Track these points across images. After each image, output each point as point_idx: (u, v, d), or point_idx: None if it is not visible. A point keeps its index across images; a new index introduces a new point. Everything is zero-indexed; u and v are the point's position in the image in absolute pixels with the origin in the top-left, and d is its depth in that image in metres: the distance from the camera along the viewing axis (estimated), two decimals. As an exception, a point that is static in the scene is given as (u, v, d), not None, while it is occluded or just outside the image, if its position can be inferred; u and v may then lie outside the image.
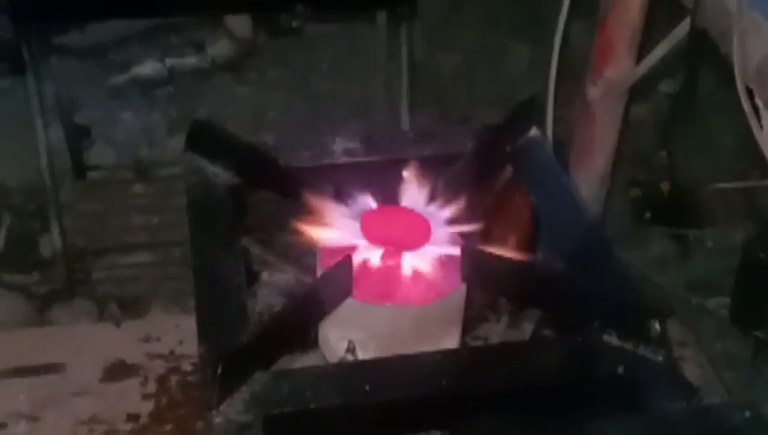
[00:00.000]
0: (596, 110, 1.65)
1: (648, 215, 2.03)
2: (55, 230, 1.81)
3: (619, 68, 1.60)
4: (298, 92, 2.20)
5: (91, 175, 1.93)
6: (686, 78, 1.30)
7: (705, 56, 1.33)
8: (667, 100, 2.12)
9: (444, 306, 1.01)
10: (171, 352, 1.32)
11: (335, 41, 2.32)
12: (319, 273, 1.04)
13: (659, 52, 1.46)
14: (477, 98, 2.22)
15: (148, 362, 1.30)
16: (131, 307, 1.78)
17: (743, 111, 1.14)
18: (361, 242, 1.02)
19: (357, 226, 1.03)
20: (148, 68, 2.00)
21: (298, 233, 1.04)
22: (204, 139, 1.12)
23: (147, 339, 1.34)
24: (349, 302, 0.99)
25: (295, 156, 1.13)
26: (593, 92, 1.64)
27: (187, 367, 1.30)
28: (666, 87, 2.13)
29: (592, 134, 1.67)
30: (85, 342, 1.33)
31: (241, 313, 0.97)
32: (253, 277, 1.07)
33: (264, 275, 1.07)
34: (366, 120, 2.13)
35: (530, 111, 1.14)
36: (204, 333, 0.95)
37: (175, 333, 1.33)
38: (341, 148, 1.14)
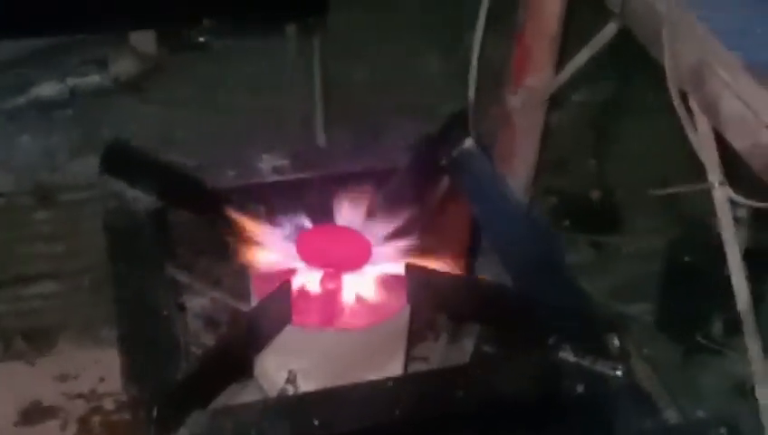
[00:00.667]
0: (516, 119, 1.61)
1: (567, 223, 2.02)
2: (-48, 262, 1.69)
3: (538, 76, 1.57)
4: (206, 109, 2.12)
5: (-11, 203, 1.82)
6: (616, 83, 1.27)
7: (632, 60, 1.31)
8: (580, 108, 2.11)
9: (388, 328, 0.96)
10: (92, 391, 1.23)
11: (241, 55, 2.24)
12: (253, 299, 0.97)
13: (582, 58, 1.43)
14: (391, 109, 2.18)
15: (66, 403, 1.21)
16: (39, 341, 1.67)
17: (670, 115, 1.12)
18: (298, 265, 0.96)
19: (292, 247, 0.97)
20: (48, 89, 1.88)
21: (228, 258, 0.97)
22: (121, 161, 1.05)
23: (63, 378, 1.24)
24: (288, 329, 0.93)
25: (220, 176, 1.06)
26: (513, 101, 1.60)
27: (109, 406, 1.21)
28: (579, 96, 2.12)
29: (513, 143, 1.64)
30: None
31: (172, 347, 0.90)
32: (181, 307, 1.00)
33: (194, 305, 1.00)
34: (278, 134, 2.06)
35: (463, 122, 1.10)
36: (132, 371, 0.88)
37: (94, 370, 1.24)
38: (269, 166, 1.07)
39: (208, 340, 0.99)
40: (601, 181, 1.62)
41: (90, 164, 1.97)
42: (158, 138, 2.02)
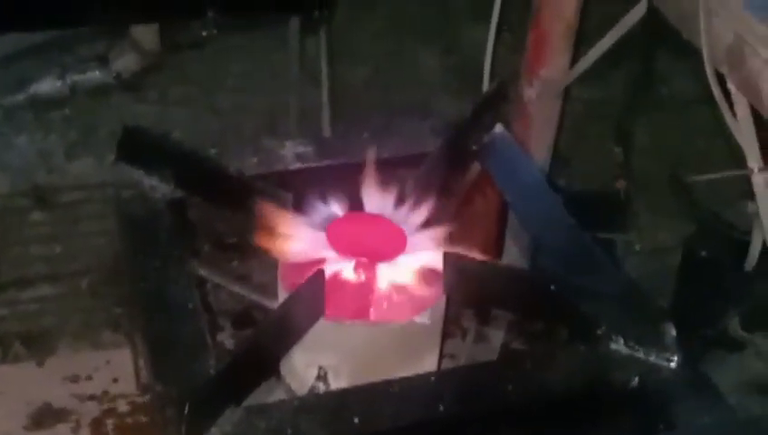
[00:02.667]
0: (532, 110, 1.57)
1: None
2: (-53, 264, 1.64)
3: (554, 65, 1.53)
4: (204, 108, 2.07)
5: (-15, 205, 1.76)
6: (643, 68, 1.23)
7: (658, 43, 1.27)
8: (584, 102, 2.07)
9: (424, 322, 0.90)
10: (105, 392, 1.17)
11: (239, 53, 2.20)
12: (280, 292, 0.92)
13: (606, 43, 1.39)
14: (392, 107, 2.14)
15: (78, 405, 1.15)
16: (37, 346, 1.62)
17: (702, 121, 1.08)
18: (329, 255, 0.91)
19: (322, 237, 0.91)
20: (47, 85, 1.82)
21: (253, 249, 0.92)
22: (137, 147, 0.99)
23: (74, 379, 1.18)
24: (318, 322, 0.88)
25: (242, 163, 1.01)
26: (529, 92, 1.56)
27: (123, 408, 1.15)
28: (585, 90, 2.08)
29: (529, 135, 1.60)
30: (1, 385, 1.17)
31: (199, 343, 0.85)
32: (205, 301, 0.94)
33: (218, 300, 0.95)
34: (277, 135, 2.02)
35: (495, 105, 1.05)
36: (159, 369, 0.82)
37: (106, 371, 1.18)
38: (292, 153, 1.02)
39: (235, 336, 0.93)
40: (621, 173, 1.58)
41: (87, 164, 1.93)
42: (156, 138, 1.98)
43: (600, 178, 1.90)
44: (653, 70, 1.86)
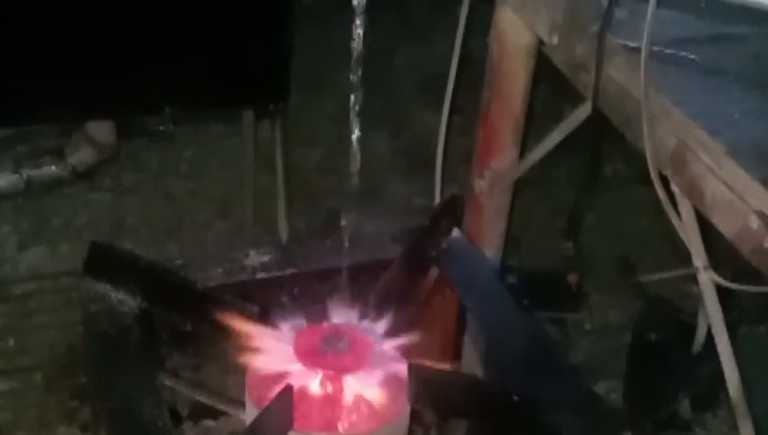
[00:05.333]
0: (484, 201, 1.61)
1: (525, 301, 2.01)
2: None
3: (504, 159, 1.57)
4: (157, 196, 2.08)
5: (-64, 298, 1.75)
6: (590, 167, 1.27)
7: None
8: (535, 186, 2.12)
9: (390, 431, 0.92)
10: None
11: (192, 139, 2.22)
12: (248, 404, 0.93)
13: (552, 141, 1.43)
14: (345, 191, 2.17)
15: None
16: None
17: (644, 199, 1.13)
18: (296, 367, 0.93)
19: (289, 349, 0.93)
20: (2, 180, 1.82)
21: (222, 361, 0.93)
22: (104, 261, 1.00)
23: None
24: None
25: (207, 274, 1.03)
26: (481, 184, 1.60)
27: None
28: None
29: (480, 226, 1.63)
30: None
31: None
32: (176, 416, 0.95)
33: (188, 413, 0.96)
34: (232, 220, 2.04)
35: (452, 211, 1.09)
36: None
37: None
38: (256, 262, 1.04)
39: (205, 451, 0.94)
40: (573, 267, 1.62)
41: (40, 255, 1.92)
42: (109, 226, 1.98)
43: (550, 258, 1.94)
44: (598, 150, 1.92)
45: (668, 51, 1.09)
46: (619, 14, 1.11)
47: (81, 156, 1.86)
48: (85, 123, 1.84)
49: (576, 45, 1.17)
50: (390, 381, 0.94)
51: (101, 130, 1.83)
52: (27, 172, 1.83)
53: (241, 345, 0.93)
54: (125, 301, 0.99)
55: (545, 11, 1.21)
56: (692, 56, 1.10)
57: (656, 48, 1.04)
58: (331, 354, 0.94)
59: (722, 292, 1.16)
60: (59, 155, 1.87)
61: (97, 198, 2.02)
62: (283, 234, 1.78)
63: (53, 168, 1.85)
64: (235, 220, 2.01)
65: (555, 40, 1.17)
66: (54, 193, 1.97)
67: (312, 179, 2.17)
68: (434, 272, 1.09)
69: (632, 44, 1.08)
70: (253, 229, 1.92)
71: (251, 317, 0.95)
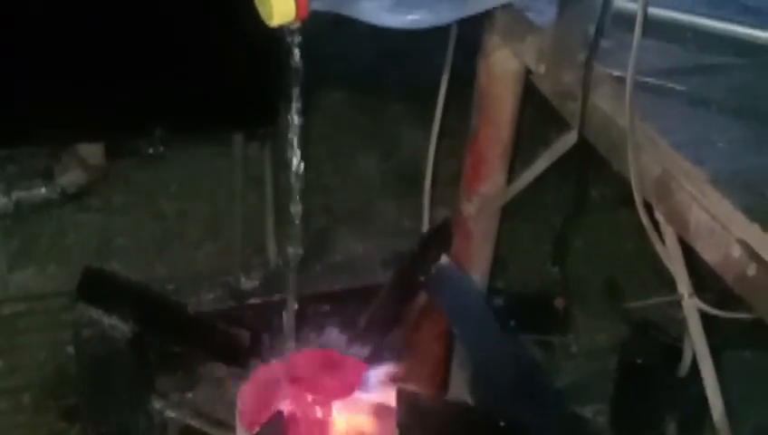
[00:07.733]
0: (472, 225, 1.63)
1: (512, 323, 2.03)
2: None
3: (492, 184, 1.59)
4: (146, 215, 2.08)
5: (-74, 319, 1.75)
6: (576, 192, 1.29)
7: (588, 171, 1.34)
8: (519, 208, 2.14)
9: (379, 456, 0.94)
10: None
11: (182, 159, 2.22)
12: (239, 429, 0.94)
13: (539, 167, 1.46)
14: (334, 211, 2.18)
15: None
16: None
17: (630, 223, 1.14)
18: (287, 392, 0.94)
19: (280, 374, 0.94)
20: (-10, 203, 1.83)
21: (213, 385, 0.95)
22: (97, 287, 1.01)
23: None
24: (277, 461, 0.90)
25: (199, 299, 1.04)
26: (468, 209, 1.62)
27: None
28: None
29: (468, 249, 1.65)
30: None
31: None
32: (166, 437, 0.96)
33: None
34: (221, 241, 2.04)
35: (441, 237, 1.10)
36: None
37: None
38: (247, 287, 1.05)
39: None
40: (560, 291, 1.63)
41: (28, 275, 1.92)
42: (98, 246, 1.98)
43: (537, 281, 1.95)
44: (585, 176, 1.94)
45: (654, 80, 1.11)
46: (606, 43, 1.12)
47: (71, 177, 1.86)
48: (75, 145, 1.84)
49: (563, 74, 1.19)
50: (379, 407, 0.95)
51: (91, 150, 1.84)
52: (17, 194, 1.83)
53: (232, 370, 0.94)
54: (117, 326, 1.00)
55: (532, 40, 1.23)
56: (677, 86, 1.12)
57: (641, 78, 1.06)
58: (321, 379, 0.95)
59: (707, 316, 1.18)
60: (48, 176, 1.87)
61: (86, 218, 2.02)
62: (272, 254, 1.79)
63: (43, 190, 1.85)
64: (225, 240, 2.01)
65: (542, 69, 1.18)
66: (43, 214, 1.96)
67: (302, 200, 2.17)
68: (422, 297, 1.10)
69: (618, 74, 1.09)
70: (242, 250, 1.92)
71: (242, 342, 0.96)
